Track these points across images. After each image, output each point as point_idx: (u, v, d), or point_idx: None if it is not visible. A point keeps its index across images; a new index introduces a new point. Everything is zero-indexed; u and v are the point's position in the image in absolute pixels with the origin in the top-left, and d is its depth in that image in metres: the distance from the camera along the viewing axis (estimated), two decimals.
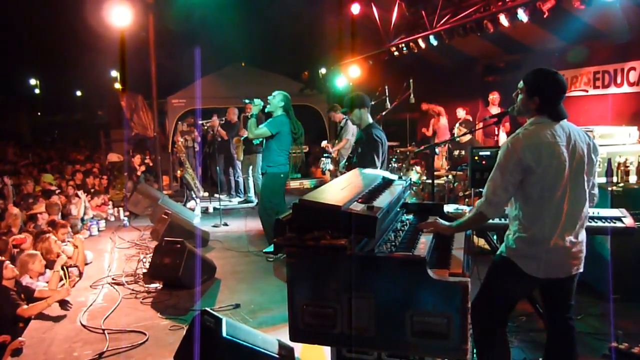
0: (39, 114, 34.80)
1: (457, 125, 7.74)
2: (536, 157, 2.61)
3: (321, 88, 13.31)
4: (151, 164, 11.71)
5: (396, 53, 9.43)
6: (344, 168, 4.70)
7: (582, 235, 2.77)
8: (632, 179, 4.63)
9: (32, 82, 34.18)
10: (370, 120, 4.76)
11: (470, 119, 8.84)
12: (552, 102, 2.70)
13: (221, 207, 8.72)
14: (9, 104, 27.94)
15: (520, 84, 2.80)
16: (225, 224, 8.19)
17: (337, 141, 8.80)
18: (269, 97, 6.10)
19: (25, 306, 4.39)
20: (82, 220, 7.73)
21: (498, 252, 2.89)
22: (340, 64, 11.76)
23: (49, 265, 5.25)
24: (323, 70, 12.77)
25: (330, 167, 5.86)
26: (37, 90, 34.74)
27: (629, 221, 3.56)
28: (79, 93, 34.79)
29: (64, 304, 4.76)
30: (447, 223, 2.94)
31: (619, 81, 7.15)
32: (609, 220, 3.60)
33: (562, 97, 2.73)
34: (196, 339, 3.13)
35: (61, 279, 5.19)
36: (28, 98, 32.30)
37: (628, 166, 4.63)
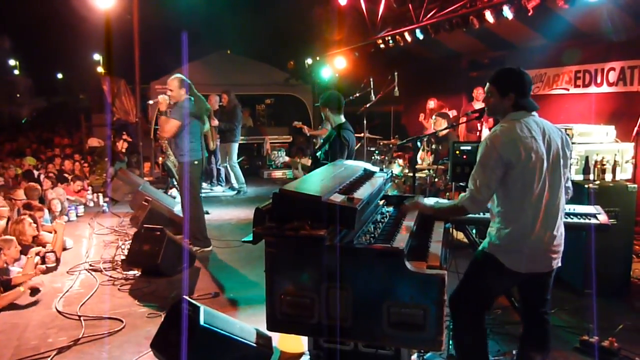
0: (18, 95, 34.07)
1: (434, 117, 7.59)
2: (516, 153, 2.66)
3: (306, 78, 13.24)
4: (130, 140, 11.56)
5: (382, 45, 9.41)
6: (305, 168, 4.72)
7: (562, 229, 2.83)
8: (608, 177, 4.72)
9: (12, 62, 33.42)
10: (342, 119, 4.69)
11: (447, 111, 8.79)
12: (527, 94, 2.79)
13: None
14: None
15: (487, 87, 2.87)
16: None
17: (320, 127, 8.88)
18: (168, 93, 5.75)
19: None
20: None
21: (480, 248, 2.92)
22: (326, 54, 11.71)
23: (23, 249, 5.16)
24: (309, 61, 12.70)
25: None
26: (16, 72, 33.99)
27: (603, 218, 3.63)
28: (60, 75, 34.16)
29: (34, 290, 4.49)
30: (429, 204, 3.15)
31: (599, 81, 7.24)
32: (584, 217, 3.67)
33: (531, 88, 2.86)
34: (175, 327, 3.13)
35: (36, 266, 5.10)
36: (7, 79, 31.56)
37: (604, 164, 4.72)
